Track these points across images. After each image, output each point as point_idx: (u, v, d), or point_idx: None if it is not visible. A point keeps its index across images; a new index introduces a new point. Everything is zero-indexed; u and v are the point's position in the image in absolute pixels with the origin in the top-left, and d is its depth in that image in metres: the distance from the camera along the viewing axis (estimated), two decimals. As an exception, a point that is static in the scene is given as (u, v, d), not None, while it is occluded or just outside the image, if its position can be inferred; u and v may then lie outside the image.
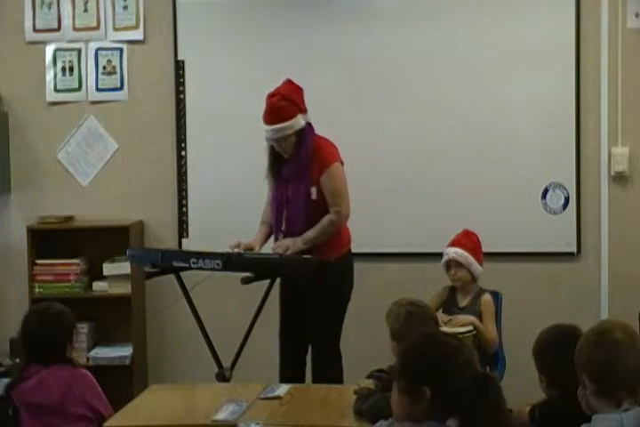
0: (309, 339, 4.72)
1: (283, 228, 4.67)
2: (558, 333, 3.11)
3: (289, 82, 4.65)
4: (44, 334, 3.64)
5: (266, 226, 4.82)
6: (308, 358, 4.76)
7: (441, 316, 4.47)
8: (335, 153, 4.68)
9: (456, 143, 5.35)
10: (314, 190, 4.61)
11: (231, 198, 5.47)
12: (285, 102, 4.56)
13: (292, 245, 4.55)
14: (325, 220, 4.61)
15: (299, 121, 4.58)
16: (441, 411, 2.42)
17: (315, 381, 4.59)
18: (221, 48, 5.52)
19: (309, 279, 4.52)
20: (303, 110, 4.62)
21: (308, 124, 4.66)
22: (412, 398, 2.44)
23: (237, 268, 4.36)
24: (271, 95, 4.61)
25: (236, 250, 4.59)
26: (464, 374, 2.43)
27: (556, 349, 2.99)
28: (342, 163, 4.70)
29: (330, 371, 4.61)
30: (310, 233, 4.59)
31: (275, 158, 4.70)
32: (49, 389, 3.60)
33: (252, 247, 4.67)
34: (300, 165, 4.61)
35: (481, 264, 4.66)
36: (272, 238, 4.79)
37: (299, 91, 4.64)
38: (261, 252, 4.69)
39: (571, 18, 5.25)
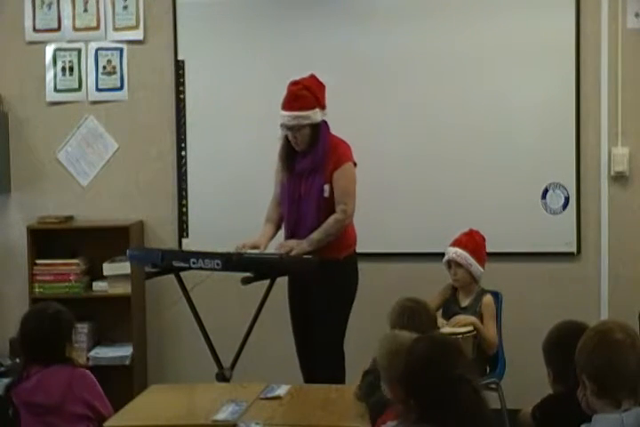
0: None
1: (294, 224, 4.68)
2: (567, 329, 3.11)
3: (313, 76, 4.68)
4: (43, 334, 3.63)
5: (271, 224, 4.81)
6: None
7: (439, 320, 4.47)
8: (350, 153, 4.71)
9: (456, 143, 5.35)
10: (327, 188, 4.63)
11: (231, 198, 5.47)
12: (307, 92, 4.59)
13: (296, 246, 4.56)
14: (331, 219, 4.61)
15: (316, 114, 4.60)
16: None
17: (316, 381, 4.58)
18: (221, 48, 5.52)
19: (316, 278, 4.53)
20: (322, 106, 4.64)
21: (325, 123, 4.67)
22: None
23: (237, 268, 4.36)
24: (294, 83, 4.64)
25: (243, 250, 4.59)
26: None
27: (565, 345, 2.99)
28: (355, 164, 4.73)
29: (331, 372, 4.60)
30: (315, 235, 4.58)
31: (288, 151, 4.71)
32: (49, 388, 3.59)
33: (257, 246, 4.67)
34: (315, 160, 4.63)
35: (483, 265, 4.66)
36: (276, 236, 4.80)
37: (321, 86, 4.66)
38: (263, 251, 4.69)
39: (571, 18, 5.25)
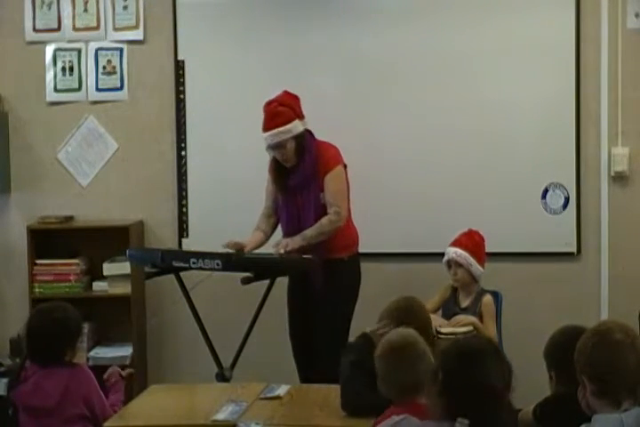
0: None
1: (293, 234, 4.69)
2: (569, 333, 3.12)
3: (285, 92, 4.71)
4: (45, 336, 3.63)
5: (260, 232, 4.84)
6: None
7: (439, 320, 4.47)
8: (338, 156, 4.74)
9: (456, 143, 5.35)
10: (322, 196, 4.67)
11: (231, 198, 5.47)
12: (283, 108, 4.63)
13: (290, 242, 4.59)
14: (325, 220, 4.64)
15: (296, 126, 4.63)
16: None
17: (319, 381, 4.56)
18: (221, 48, 5.52)
19: (322, 278, 4.56)
20: (301, 116, 4.66)
21: (308, 132, 4.69)
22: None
23: (237, 268, 4.37)
24: (268, 103, 4.68)
25: (229, 247, 4.60)
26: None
27: (566, 349, 3.00)
28: (345, 165, 4.75)
29: (335, 371, 4.59)
30: (309, 231, 4.62)
31: (279, 172, 4.74)
32: (47, 391, 3.59)
33: (243, 247, 4.67)
34: (306, 172, 4.66)
35: (483, 265, 4.66)
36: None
37: (295, 99, 4.70)
38: (261, 252, 4.70)
39: (571, 18, 5.25)
